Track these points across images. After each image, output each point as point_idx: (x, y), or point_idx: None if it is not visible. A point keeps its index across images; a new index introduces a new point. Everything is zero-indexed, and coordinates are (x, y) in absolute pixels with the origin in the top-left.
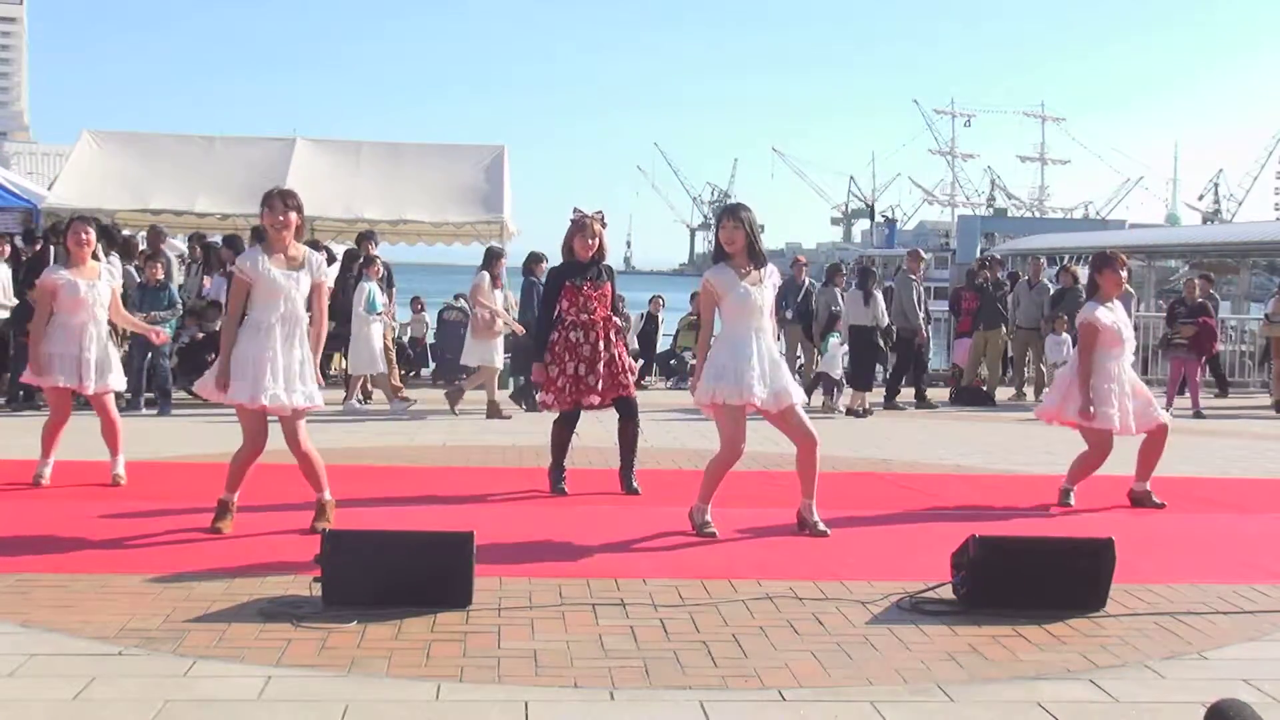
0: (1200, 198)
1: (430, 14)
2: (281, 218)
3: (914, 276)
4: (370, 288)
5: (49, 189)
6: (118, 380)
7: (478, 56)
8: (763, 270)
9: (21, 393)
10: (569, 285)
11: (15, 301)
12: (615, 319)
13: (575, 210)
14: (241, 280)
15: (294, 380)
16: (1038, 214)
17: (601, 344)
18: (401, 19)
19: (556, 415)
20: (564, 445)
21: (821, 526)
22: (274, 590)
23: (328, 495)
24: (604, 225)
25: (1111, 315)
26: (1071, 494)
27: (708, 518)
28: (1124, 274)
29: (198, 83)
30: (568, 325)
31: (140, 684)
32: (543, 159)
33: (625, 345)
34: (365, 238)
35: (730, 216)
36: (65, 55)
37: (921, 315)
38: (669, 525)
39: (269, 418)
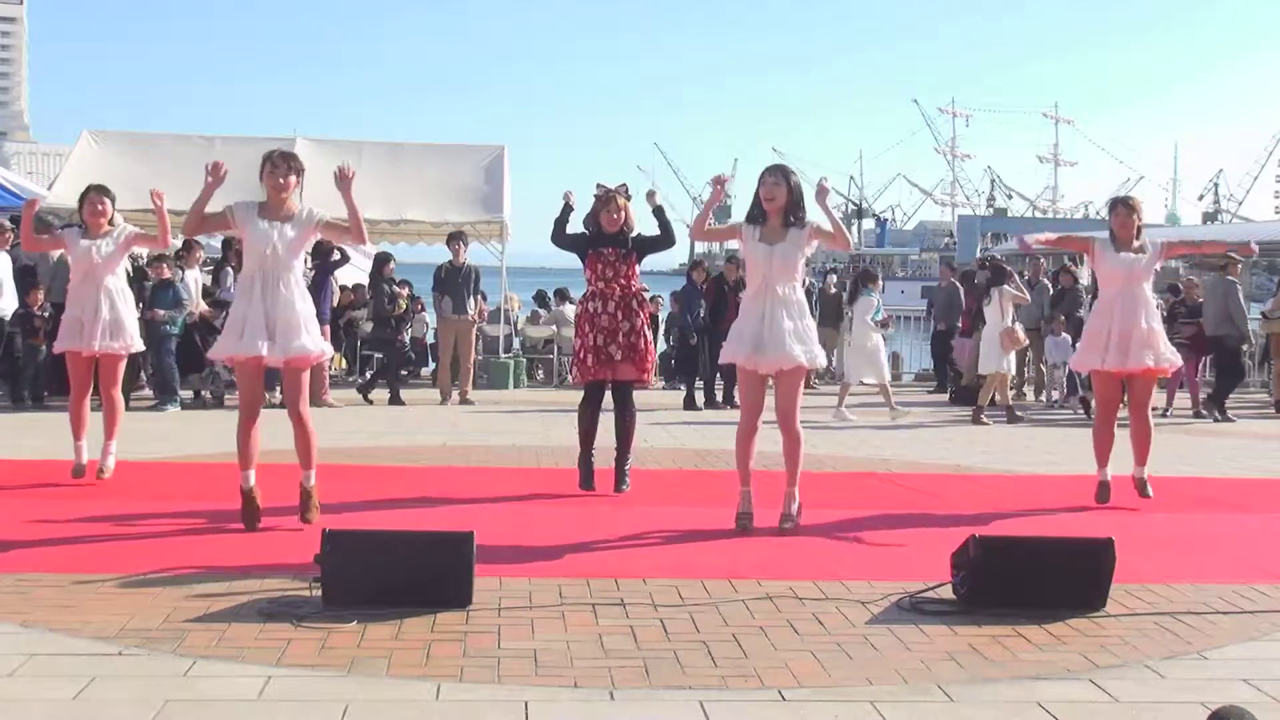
0: (1200, 198)
1: (431, 14)
2: (283, 180)
3: (1235, 279)
4: (877, 298)
5: (49, 189)
6: (124, 342)
7: (478, 56)
8: (795, 230)
9: (28, 393)
10: (592, 253)
11: (16, 303)
12: (644, 290)
13: (598, 186)
14: (228, 222)
15: (281, 332)
16: (1051, 214)
17: (620, 314)
18: (401, 19)
19: (582, 396)
20: (590, 431)
21: (788, 524)
22: (274, 590)
23: (312, 480)
24: (628, 198)
25: (1109, 257)
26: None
27: (747, 507)
28: (1134, 217)
29: (198, 83)
30: (588, 296)
31: (140, 684)
32: (543, 159)
33: (650, 323)
34: (455, 238)
35: (772, 173)
36: (65, 55)
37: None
38: (669, 525)
39: (264, 380)
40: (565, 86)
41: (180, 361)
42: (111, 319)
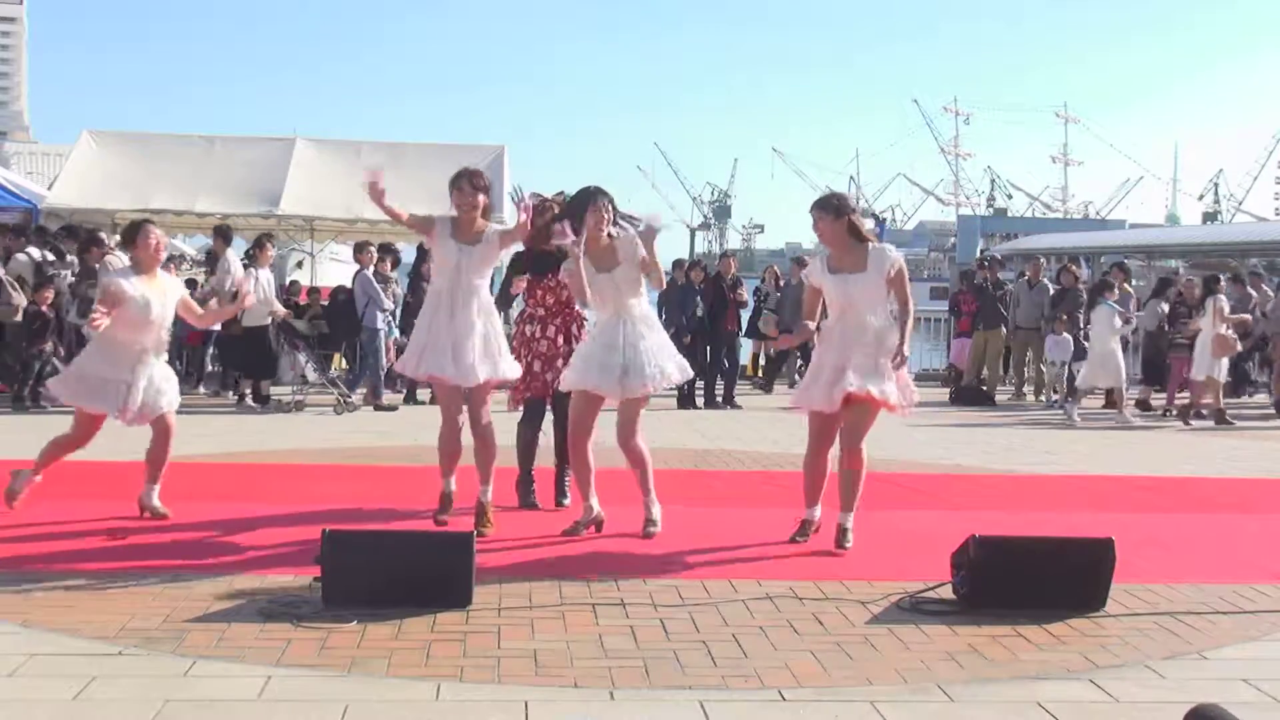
0: (1200, 197)
1: (431, 14)
2: (470, 199)
3: None
4: (1113, 307)
5: (49, 189)
6: (170, 401)
7: (478, 56)
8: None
9: (29, 396)
10: (533, 279)
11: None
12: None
13: (534, 195)
14: (431, 232)
15: (467, 353)
16: (1062, 214)
17: (560, 338)
18: (401, 19)
19: (520, 416)
20: (530, 450)
21: (651, 529)
22: (274, 590)
23: (488, 495)
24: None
25: (825, 279)
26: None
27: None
28: (839, 224)
29: (198, 83)
30: (524, 318)
31: (140, 684)
32: (543, 159)
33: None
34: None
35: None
36: (65, 55)
37: None
38: (669, 525)
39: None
40: (565, 86)
41: (253, 364)
42: (163, 375)
